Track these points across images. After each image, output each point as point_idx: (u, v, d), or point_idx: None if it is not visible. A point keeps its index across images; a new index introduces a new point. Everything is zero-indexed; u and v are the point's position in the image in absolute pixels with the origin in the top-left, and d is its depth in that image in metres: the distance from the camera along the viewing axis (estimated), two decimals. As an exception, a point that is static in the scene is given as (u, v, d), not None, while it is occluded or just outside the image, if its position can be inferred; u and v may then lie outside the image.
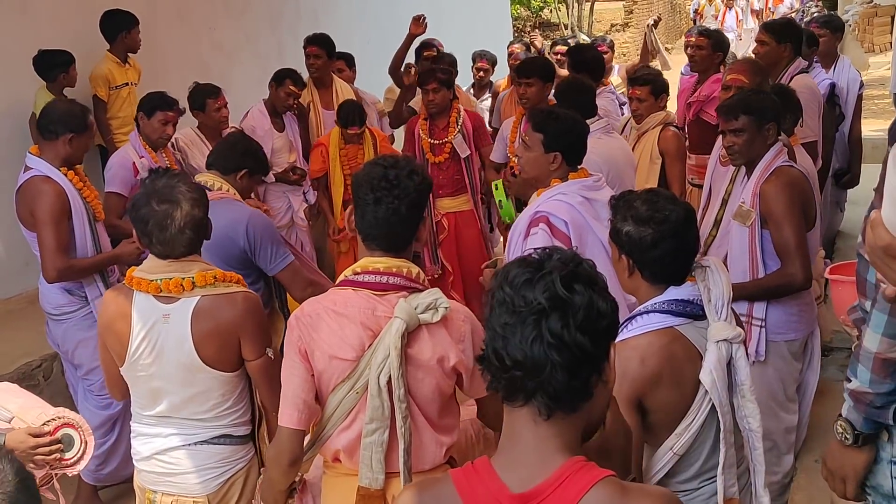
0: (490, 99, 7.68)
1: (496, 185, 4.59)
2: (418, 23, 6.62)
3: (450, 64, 6.76)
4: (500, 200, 4.56)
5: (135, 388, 2.80)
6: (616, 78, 7.76)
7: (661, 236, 2.38)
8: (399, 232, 2.38)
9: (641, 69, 6.18)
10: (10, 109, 5.95)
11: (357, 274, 2.38)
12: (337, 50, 6.51)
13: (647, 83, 5.04)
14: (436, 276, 5.76)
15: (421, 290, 2.36)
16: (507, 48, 7.88)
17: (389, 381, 2.28)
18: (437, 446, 2.42)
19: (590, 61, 5.62)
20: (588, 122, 3.83)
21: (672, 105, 5.70)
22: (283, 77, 5.79)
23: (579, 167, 3.46)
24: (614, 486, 1.45)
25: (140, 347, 2.68)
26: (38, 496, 1.46)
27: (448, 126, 5.66)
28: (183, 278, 2.65)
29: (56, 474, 2.82)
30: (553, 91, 5.07)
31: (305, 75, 6.21)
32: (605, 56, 7.66)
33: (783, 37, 5.20)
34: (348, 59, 7.08)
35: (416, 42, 6.91)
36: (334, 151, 5.78)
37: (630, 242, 2.44)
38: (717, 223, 3.96)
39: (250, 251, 3.56)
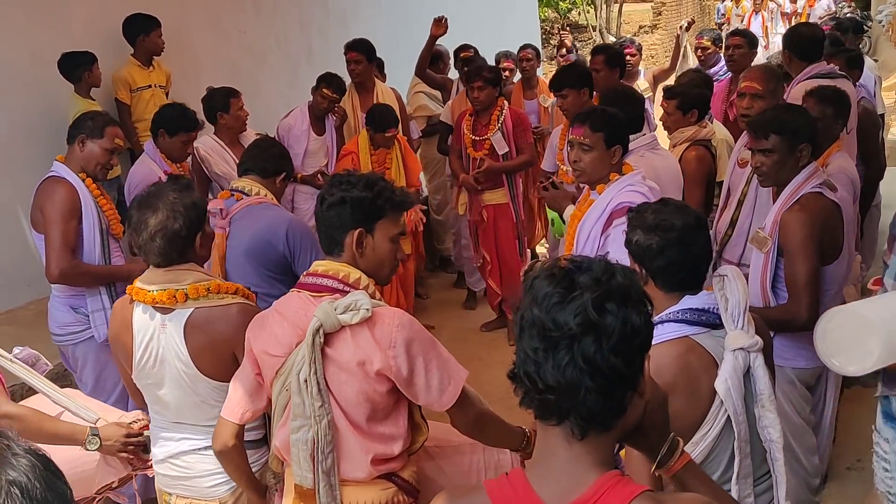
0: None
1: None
2: (440, 24, 6.74)
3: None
4: (552, 218, 4.47)
5: (146, 394, 2.84)
6: (643, 82, 7.69)
7: (667, 244, 2.40)
8: (331, 236, 2.46)
9: (681, 78, 6.06)
10: (47, 114, 6.03)
11: (306, 276, 2.47)
12: (375, 54, 6.51)
13: (674, 97, 4.81)
14: (477, 264, 6.32)
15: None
16: (519, 53, 7.73)
17: (307, 381, 2.33)
18: (363, 453, 2.40)
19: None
20: (632, 137, 3.87)
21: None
22: (320, 81, 5.84)
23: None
24: (651, 500, 1.43)
25: (144, 356, 2.71)
26: None
27: (490, 123, 5.85)
28: (176, 290, 2.64)
29: (135, 473, 2.97)
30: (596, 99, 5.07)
31: (347, 81, 6.23)
32: (632, 59, 7.66)
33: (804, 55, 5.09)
34: (380, 66, 7.13)
35: (452, 43, 6.93)
36: (365, 157, 5.80)
37: (638, 251, 2.47)
38: (733, 224, 3.94)
39: (290, 256, 3.55)
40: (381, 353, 2.31)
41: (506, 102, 6.04)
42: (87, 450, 2.86)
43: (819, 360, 3.27)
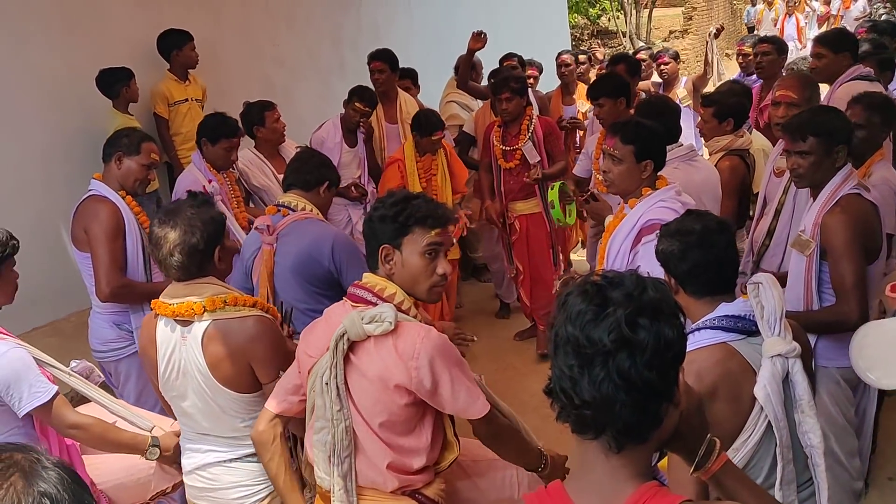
0: (540, 110, 7.69)
1: (553, 186, 4.94)
2: (478, 38, 6.70)
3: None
4: (552, 200, 4.80)
5: (172, 406, 2.90)
6: (682, 90, 7.64)
7: (688, 246, 2.47)
8: (370, 256, 2.58)
9: (721, 87, 6.01)
10: (85, 129, 6.13)
11: (352, 287, 2.58)
12: (399, 64, 6.56)
13: (711, 104, 4.74)
14: (511, 275, 6.28)
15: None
16: (557, 59, 7.76)
17: (328, 384, 2.40)
18: (380, 459, 2.43)
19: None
20: (669, 147, 3.85)
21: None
22: (352, 94, 5.88)
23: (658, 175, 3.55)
24: None
25: (167, 369, 2.77)
26: None
27: (520, 133, 5.82)
28: (194, 303, 2.70)
29: (181, 482, 3.07)
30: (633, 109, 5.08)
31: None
32: (666, 67, 7.64)
33: (839, 47, 5.11)
34: (413, 77, 7.14)
35: (483, 53, 6.96)
36: (411, 165, 5.83)
37: (664, 259, 2.53)
38: (770, 234, 3.92)
39: (336, 271, 3.56)
40: (402, 365, 2.36)
41: (534, 111, 6.01)
42: (148, 459, 2.97)
43: None
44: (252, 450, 2.78)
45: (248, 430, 2.77)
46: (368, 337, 2.38)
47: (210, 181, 4.57)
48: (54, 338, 5.55)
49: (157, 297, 3.89)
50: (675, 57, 7.97)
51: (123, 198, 3.90)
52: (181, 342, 2.74)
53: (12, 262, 3.08)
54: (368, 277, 2.56)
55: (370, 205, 6.03)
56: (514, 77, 6.02)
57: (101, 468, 3.05)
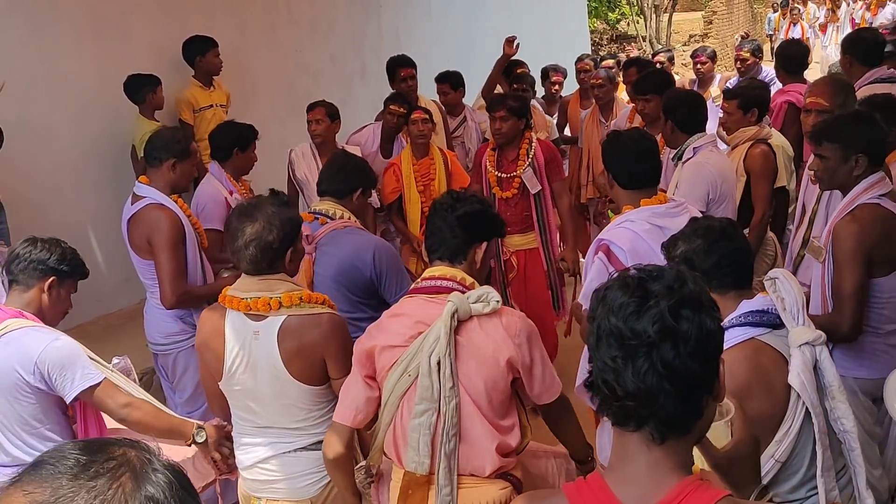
0: (559, 115, 7.70)
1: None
2: (511, 44, 6.57)
3: (531, 84, 6.77)
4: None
5: (233, 400, 2.93)
6: (715, 88, 7.65)
7: (713, 240, 2.54)
8: (447, 249, 2.66)
9: (743, 81, 6.03)
10: (114, 135, 6.25)
11: (417, 284, 2.64)
12: (419, 69, 6.55)
13: (735, 97, 4.77)
14: None
15: None
16: (577, 64, 7.73)
17: (440, 362, 2.44)
18: (489, 441, 2.50)
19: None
20: (695, 136, 4.09)
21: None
22: (387, 102, 5.88)
23: (658, 191, 3.45)
24: None
25: (235, 363, 2.81)
26: None
27: (518, 158, 5.14)
28: (270, 297, 2.75)
29: (219, 477, 3.19)
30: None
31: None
32: (703, 66, 7.67)
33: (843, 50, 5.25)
34: (452, 81, 6.74)
35: (518, 57, 6.95)
36: (407, 169, 5.61)
37: (687, 259, 2.55)
38: (805, 243, 3.86)
39: (376, 280, 3.55)
40: (510, 341, 2.48)
41: (534, 135, 5.32)
42: (196, 442, 3.07)
43: (883, 371, 3.29)
44: (314, 439, 2.87)
45: (311, 421, 2.87)
46: (471, 317, 2.49)
47: (231, 192, 4.55)
48: (82, 340, 5.60)
49: (208, 298, 3.97)
50: (713, 56, 7.98)
51: (175, 201, 3.93)
52: (252, 337, 2.79)
53: (74, 286, 3.17)
54: (444, 270, 2.64)
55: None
56: (514, 96, 5.48)
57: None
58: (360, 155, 5.15)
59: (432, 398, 2.46)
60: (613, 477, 1.51)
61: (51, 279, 3.07)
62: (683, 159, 4.32)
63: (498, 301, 2.50)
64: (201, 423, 3.11)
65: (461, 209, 2.68)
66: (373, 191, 5.46)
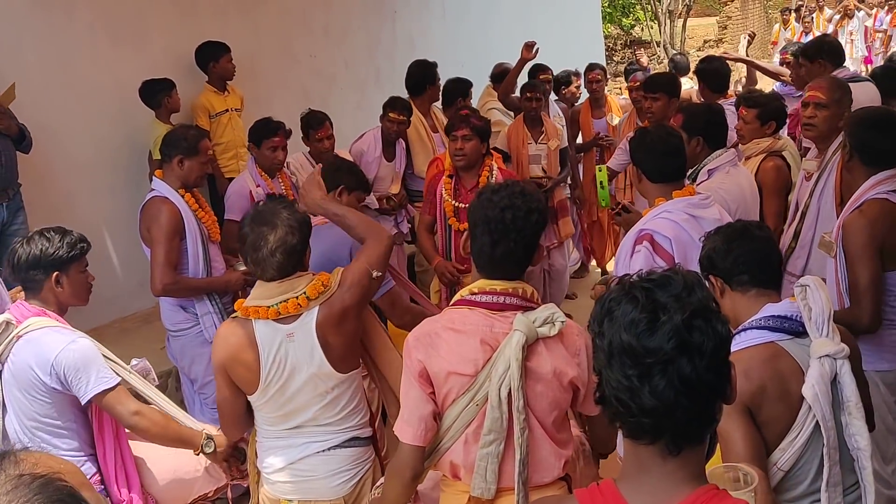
0: (570, 124, 7.57)
1: (600, 168, 4.68)
2: (530, 49, 6.59)
3: (544, 93, 6.73)
4: (601, 181, 4.61)
5: (266, 408, 2.89)
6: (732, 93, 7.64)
7: (732, 238, 2.56)
8: (514, 267, 2.48)
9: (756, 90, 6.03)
10: (129, 139, 6.29)
11: (474, 294, 2.48)
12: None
13: (756, 106, 4.72)
14: None
15: (535, 308, 2.45)
16: (587, 74, 7.69)
17: (510, 393, 2.37)
18: (556, 458, 2.50)
19: (713, 73, 5.82)
20: (718, 153, 4.02)
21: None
22: (385, 108, 5.93)
23: (686, 184, 3.54)
24: None
25: (272, 371, 2.80)
26: None
27: (477, 187, 4.61)
28: (297, 297, 2.77)
29: (232, 482, 3.22)
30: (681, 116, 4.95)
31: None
32: (597, 84, 7.62)
33: (814, 55, 5.47)
34: (463, 90, 6.88)
35: (528, 65, 6.96)
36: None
37: (709, 259, 2.60)
38: (796, 236, 3.96)
39: None
40: (573, 361, 2.44)
41: (494, 163, 4.85)
42: (204, 452, 3.08)
43: None
44: (348, 436, 2.90)
45: (347, 412, 2.90)
46: (537, 340, 2.41)
47: (258, 185, 4.74)
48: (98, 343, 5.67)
49: (211, 291, 4.19)
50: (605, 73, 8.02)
51: (183, 195, 4.10)
52: (286, 340, 2.79)
53: (82, 263, 3.17)
54: (505, 284, 2.46)
55: (402, 217, 6.05)
56: (478, 114, 5.06)
57: (151, 469, 3.14)
58: (362, 161, 5.39)
59: (501, 429, 2.42)
60: (627, 485, 1.49)
61: (54, 274, 3.07)
62: (697, 182, 4.09)
63: (563, 321, 2.40)
64: (210, 433, 3.12)
65: (535, 216, 2.45)
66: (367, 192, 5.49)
